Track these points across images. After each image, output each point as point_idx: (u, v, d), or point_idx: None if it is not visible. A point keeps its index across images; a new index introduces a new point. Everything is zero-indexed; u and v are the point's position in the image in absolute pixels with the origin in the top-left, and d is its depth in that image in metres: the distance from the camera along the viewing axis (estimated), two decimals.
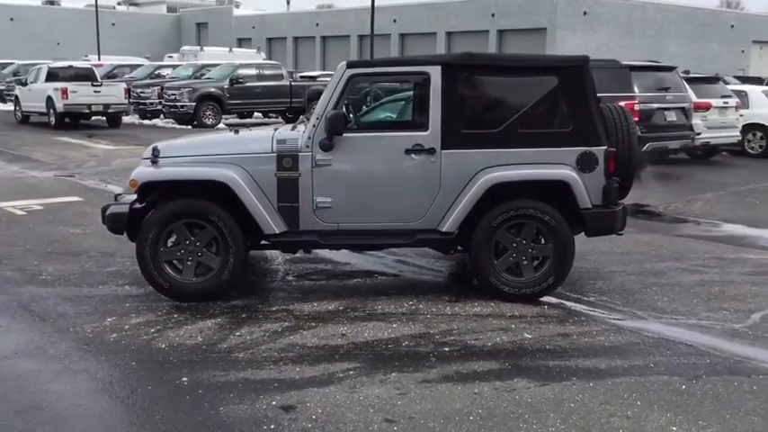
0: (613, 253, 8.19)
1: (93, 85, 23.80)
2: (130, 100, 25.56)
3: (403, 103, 7.78)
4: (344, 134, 6.36)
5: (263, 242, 6.57)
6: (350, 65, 6.47)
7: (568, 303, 6.50)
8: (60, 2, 67.42)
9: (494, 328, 5.83)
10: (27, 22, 58.73)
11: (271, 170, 6.41)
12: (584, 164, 6.40)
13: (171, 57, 43.99)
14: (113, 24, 59.24)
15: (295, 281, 7.22)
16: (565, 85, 6.43)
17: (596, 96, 6.49)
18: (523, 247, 6.47)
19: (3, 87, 33.36)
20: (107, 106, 23.74)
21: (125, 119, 25.26)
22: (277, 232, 6.40)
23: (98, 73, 26.35)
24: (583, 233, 6.65)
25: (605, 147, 6.42)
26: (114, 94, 24.07)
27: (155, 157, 6.47)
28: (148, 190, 6.45)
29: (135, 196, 6.44)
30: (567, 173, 6.35)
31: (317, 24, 57.35)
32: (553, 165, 6.40)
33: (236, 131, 7.15)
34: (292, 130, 6.77)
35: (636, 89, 13.86)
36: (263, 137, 6.58)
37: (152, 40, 62.88)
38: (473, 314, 6.17)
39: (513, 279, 6.49)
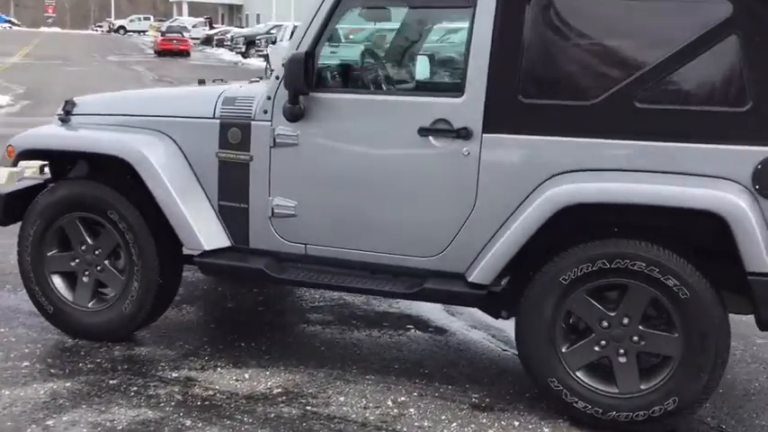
0: None
1: None
2: None
3: (423, 43, 4.76)
4: (317, 94, 3.67)
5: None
6: None
7: None
8: None
9: None
10: None
11: (211, 147, 3.91)
12: None
13: None
14: None
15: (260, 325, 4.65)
16: (744, 21, 3.18)
17: None
18: (622, 332, 3.35)
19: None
20: None
21: None
22: (206, 249, 3.88)
23: None
24: (751, 319, 3.37)
25: None
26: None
27: (66, 114, 4.26)
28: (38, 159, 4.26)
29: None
30: (727, 198, 3.11)
31: None
32: (701, 178, 3.21)
33: (219, 82, 4.66)
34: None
35: None
36: (209, 93, 4.07)
37: None
38: None
39: (597, 389, 3.41)
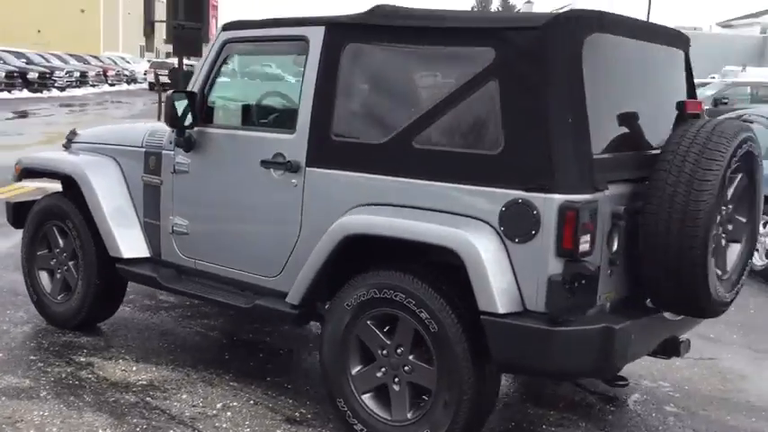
0: None
1: None
2: None
3: (274, 86, 4.97)
4: (202, 128, 4.24)
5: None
6: (226, 26, 4.26)
7: None
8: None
9: None
10: None
11: (139, 171, 4.63)
12: (512, 223, 3.17)
13: (713, 77, 39.77)
14: None
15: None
16: (504, 65, 3.26)
17: (581, 91, 3.16)
18: (397, 361, 3.50)
19: None
20: None
21: None
22: (125, 257, 4.57)
23: None
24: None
25: (566, 196, 3.08)
26: None
27: (68, 141, 5.24)
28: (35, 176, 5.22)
29: None
30: (461, 236, 3.20)
31: None
32: (458, 217, 3.30)
33: None
34: None
35: None
36: (144, 126, 4.78)
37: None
38: None
39: (376, 414, 3.56)
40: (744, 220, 3.65)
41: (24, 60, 32.94)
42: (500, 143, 3.22)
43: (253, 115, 4.32)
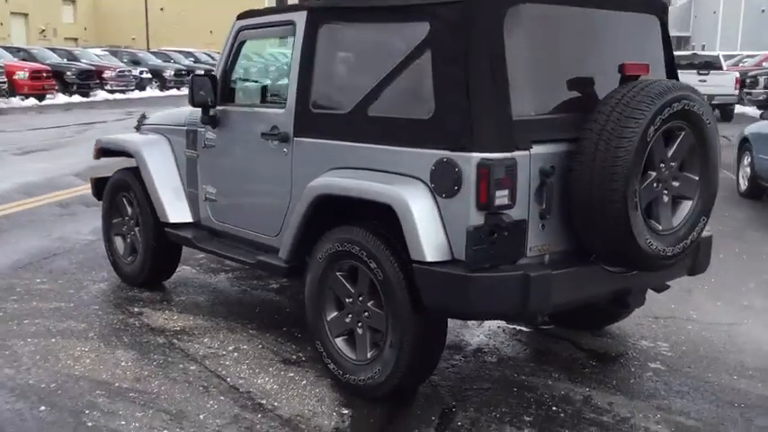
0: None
1: (699, 74, 21.70)
2: (745, 90, 22.65)
3: (277, 66, 5.28)
4: (221, 107, 4.82)
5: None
6: (240, 16, 4.81)
7: None
8: None
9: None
10: None
11: (182, 147, 5.30)
12: (440, 180, 3.51)
13: None
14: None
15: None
16: (436, 37, 3.59)
17: (501, 59, 3.44)
18: (359, 307, 3.92)
19: None
20: (711, 97, 21.47)
21: (738, 110, 22.26)
22: (170, 221, 5.26)
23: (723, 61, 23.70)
24: None
25: (482, 154, 3.38)
26: (722, 83, 21.54)
27: (139, 124, 6.01)
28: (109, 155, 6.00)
29: None
30: (395, 192, 3.58)
31: None
32: (399, 176, 3.68)
33: None
34: None
35: None
36: (188, 109, 5.40)
37: None
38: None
39: (345, 355, 4.00)
40: (695, 177, 3.77)
41: (192, 59, 35.47)
42: (431, 109, 3.56)
43: (259, 94, 4.84)
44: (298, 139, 4.25)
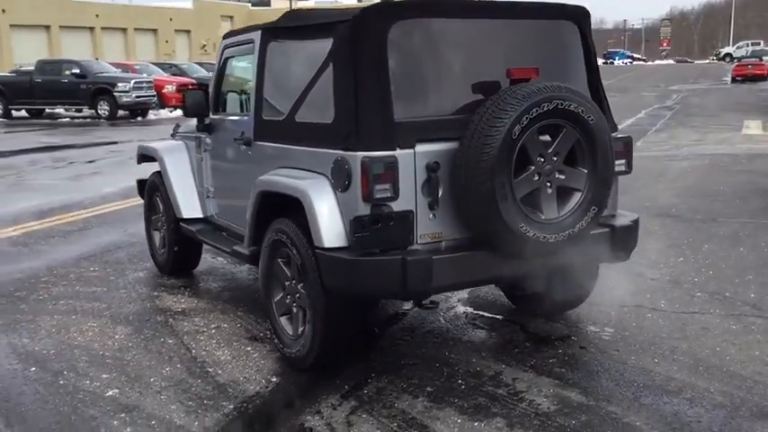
0: None
1: None
2: None
3: (249, 79, 5.69)
4: (213, 116, 5.53)
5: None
6: (225, 35, 5.48)
7: None
8: None
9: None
10: None
11: (195, 151, 6.05)
12: (337, 176, 4.00)
13: None
14: None
15: None
16: (336, 51, 4.09)
17: (384, 69, 3.89)
18: (293, 289, 4.47)
19: None
20: None
21: None
22: (184, 216, 6.01)
23: None
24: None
25: (365, 153, 3.85)
26: None
27: (174, 132, 6.82)
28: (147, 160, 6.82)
29: None
30: (302, 186, 4.12)
31: None
32: (310, 173, 4.21)
33: None
34: None
35: None
36: None
37: None
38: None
39: (285, 331, 4.56)
40: (583, 170, 4.04)
41: None
42: (332, 114, 4.06)
43: (238, 104, 5.49)
44: (257, 142, 4.85)
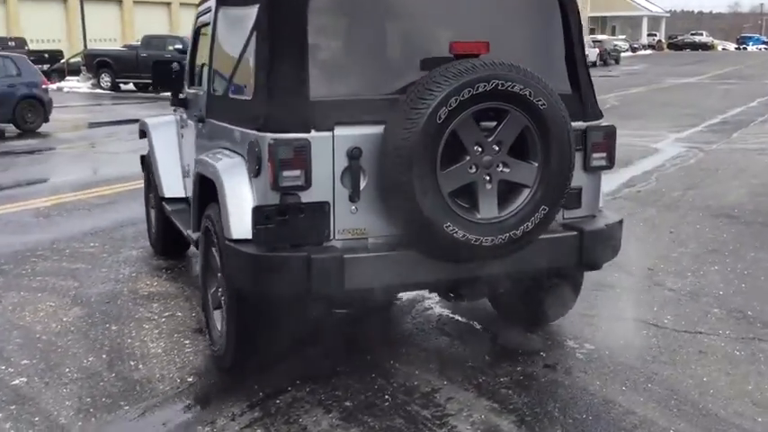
0: None
1: None
2: None
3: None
4: (190, 90, 5.19)
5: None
6: (199, 2, 5.10)
7: None
8: None
9: None
10: None
11: (177, 128, 5.75)
12: (250, 159, 3.58)
13: None
14: None
15: None
16: (258, 20, 3.63)
17: (302, 42, 3.42)
18: (221, 282, 4.08)
19: None
20: None
21: None
22: (166, 196, 5.72)
23: None
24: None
25: (273, 135, 3.41)
26: None
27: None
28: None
29: None
30: (216, 168, 3.73)
31: None
32: (232, 153, 3.82)
33: None
34: None
35: None
36: None
37: None
38: None
39: (216, 326, 4.18)
40: (533, 163, 3.46)
41: None
42: (252, 90, 3.62)
43: (202, 80, 5.11)
44: (208, 120, 4.48)
